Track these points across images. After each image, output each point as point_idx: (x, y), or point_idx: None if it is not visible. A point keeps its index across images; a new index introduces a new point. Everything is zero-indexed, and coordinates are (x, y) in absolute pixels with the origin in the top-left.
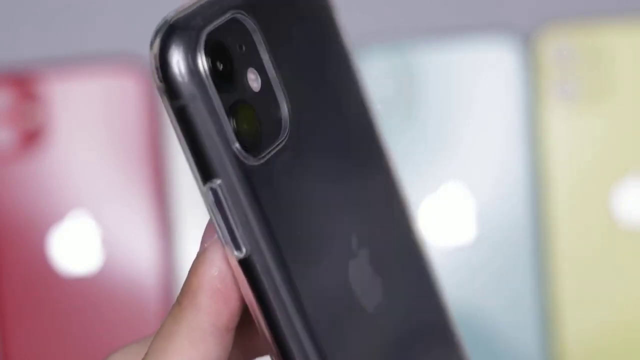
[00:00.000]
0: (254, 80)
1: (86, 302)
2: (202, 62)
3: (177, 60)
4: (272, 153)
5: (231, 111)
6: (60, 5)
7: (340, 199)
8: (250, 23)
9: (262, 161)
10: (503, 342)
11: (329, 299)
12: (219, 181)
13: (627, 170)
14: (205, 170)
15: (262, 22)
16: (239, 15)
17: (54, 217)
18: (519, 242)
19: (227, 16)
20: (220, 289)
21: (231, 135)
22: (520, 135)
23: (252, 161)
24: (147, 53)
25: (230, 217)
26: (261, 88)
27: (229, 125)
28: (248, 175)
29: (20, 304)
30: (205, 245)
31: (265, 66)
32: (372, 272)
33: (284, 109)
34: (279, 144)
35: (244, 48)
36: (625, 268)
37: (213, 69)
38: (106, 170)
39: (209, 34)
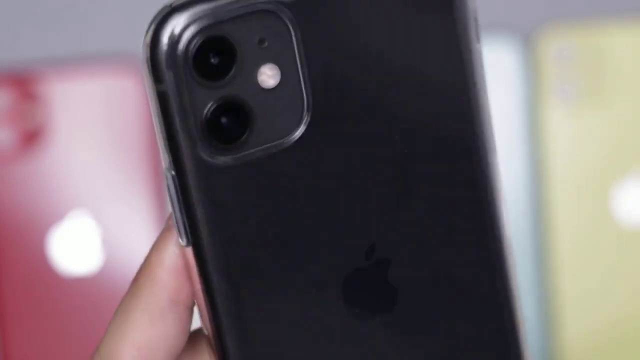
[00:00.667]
0: (269, 78)
1: (86, 302)
2: (185, 51)
3: (161, 44)
4: (261, 154)
5: (211, 106)
6: (60, 5)
7: (353, 211)
8: (283, 18)
9: (237, 159)
10: None
11: (277, 318)
12: (173, 172)
13: (627, 170)
14: (164, 157)
15: (300, 17)
16: (270, 6)
17: (54, 217)
18: (519, 242)
19: (251, 7)
20: (181, 266)
21: (194, 131)
22: (520, 135)
23: (219, 158)
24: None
25: (176, 207)
26: (277, 87)
27: (191, 118)
28: (204, 173)
29: (20, 304)
30: (170, 222)
31: (291, 67)
32: (384, 284)
33: (297, 114)
34: (274, 147)
35: (266, 43)
36: (626, 268)
37: (198, 58)
38: (106, 170)
39: (206, 25)
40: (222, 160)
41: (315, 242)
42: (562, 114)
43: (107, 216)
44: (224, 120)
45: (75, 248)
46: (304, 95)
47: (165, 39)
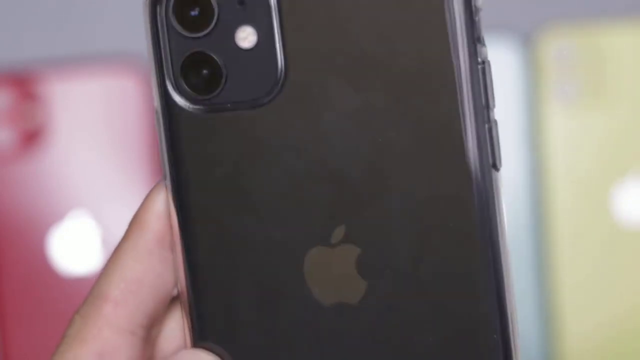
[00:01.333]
0: (245, 39)
1: None
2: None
3: None
4: (232, 112)
5: (187, 55)
6: (60, 6)
7: (323, 186)
8: None
9: (208, 111)
10: None
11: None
12: (158, 110)
13: (627, 170)
14: (154, 94)
15: None
16: None
17: (54, 217)
18: (519, 242)
19: None
20: (168, 211)
21: (171, 75)
22: (520, 135)
23: (192, 106)
24: (146, 53)
25: (159, 144)
26: (253, 49)
27: (169, 63)
28: (177, 117)
29: (20, 304)
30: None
31: (268, 31)
32: (353, 271)
33: (270, 78)
34: (244, 106)
35: (245, 4)
36: (626, 268)
37: (178, 9)
38: (106, 170)
39: None
40: (194, 108)
41: (277, 208)
42: (562, 114)
43: (107, 216)
44: (198, 71)
45: (75, 248)
46: (278, 61)
47: None
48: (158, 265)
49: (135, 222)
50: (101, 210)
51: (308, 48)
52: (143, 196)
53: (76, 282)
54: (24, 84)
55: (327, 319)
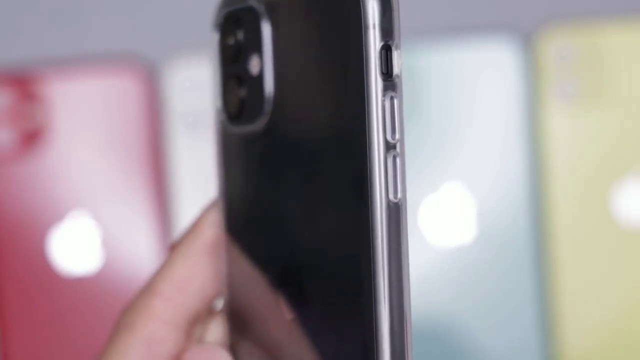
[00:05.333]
0: (254, 66)
1: (86, 302)
2: (217, 34)
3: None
4: (248, 130)
5: (228, 79)
6: (60, 5)
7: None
8: (260, 12)
9: (236, 130)
10: (502, 340)
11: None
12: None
13: (627, 170)
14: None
15: (274, 14)
16: (253, 3)
17: (54, 217)
18: (519, 242)
19: (246, 3)
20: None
21: (218, 97)
22: (520, 135)
23: (228, 126)
24: (147, 53)
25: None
26: (258, 74)
27: (219, 88)
28: (221, 134)
29: (20, 304)
30: None
31: (264, 57)
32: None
33: (267, 105)
34: (253, 126)
35: (251, 34)
36: (625, 268)
37: (222, 41)
38: (106, 170)
39: (227, 14)
40: (230, 127)
41: (257, 229)
42: (562, 114)
43: (107, 216)
44: (230, 94)
45: (75, 248)
46: (264, 89)
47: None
48: (207, 269)
49: (191, 227)
50: (101, 210)
51: (278, 82)
52: (143, 196)
53: (76, 282)
54: (24, 84)
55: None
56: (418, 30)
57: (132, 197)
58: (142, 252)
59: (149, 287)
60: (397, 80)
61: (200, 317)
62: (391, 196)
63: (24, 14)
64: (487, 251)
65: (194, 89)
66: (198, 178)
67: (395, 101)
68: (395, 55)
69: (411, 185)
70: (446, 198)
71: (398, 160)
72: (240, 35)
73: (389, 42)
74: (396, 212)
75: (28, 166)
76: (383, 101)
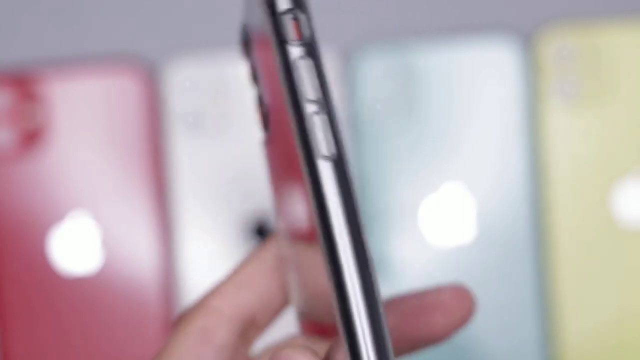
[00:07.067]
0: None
1: (86, 302)
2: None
3: None
4: (263, 138)
5: (257, 98)
6: (60, 5)
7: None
8: (248, 30)
9: (264, 137)
10: (502, 340)
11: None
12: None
13: (627, 170)
14: None
15: (255, 29)
16: (245, 24)
17: (54, 217)
18: (518, 242)
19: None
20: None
21: (256, 114)
22: (520, 135)
23: (263, 133)
24: (147, 53)
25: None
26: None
27: (255, 106)
28: (263, 139)
29: (20, 304)
30: None
31: (259, 74)
32: None
33: (265, 118)
34: (264, 136)
35: (253, 52)
36: (625, 268)
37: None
38: (106, 170)
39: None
40: (264, 133)
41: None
42: (562, 113)
43: (107, 216)
44: (258, 111)
45: (75, 248)
46: (261, 109)
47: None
48: (272, 282)
49: (265, 241)
50: (101, 210)
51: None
52: (143, 196)
53: (76, 282)
54: (24, 84)
55: None
56: (418, 30)
57: (132, 197)
58: (142, 252)
59: (211, 288)
60: (310, 42)
61: (256, 321)
62: (324, 152)
63: (24, 14)
64: (487, 251)
65: (194, 89)
66: (198, 178)
67: (312, 62)
68: (302, 19)
69: (411, 185)
70: (446, 198)
71: (325, 117)
72: (249, 52)
73: (293, 8)
74: (335, 166)
75: (28, 166)
76: (296, 64)
